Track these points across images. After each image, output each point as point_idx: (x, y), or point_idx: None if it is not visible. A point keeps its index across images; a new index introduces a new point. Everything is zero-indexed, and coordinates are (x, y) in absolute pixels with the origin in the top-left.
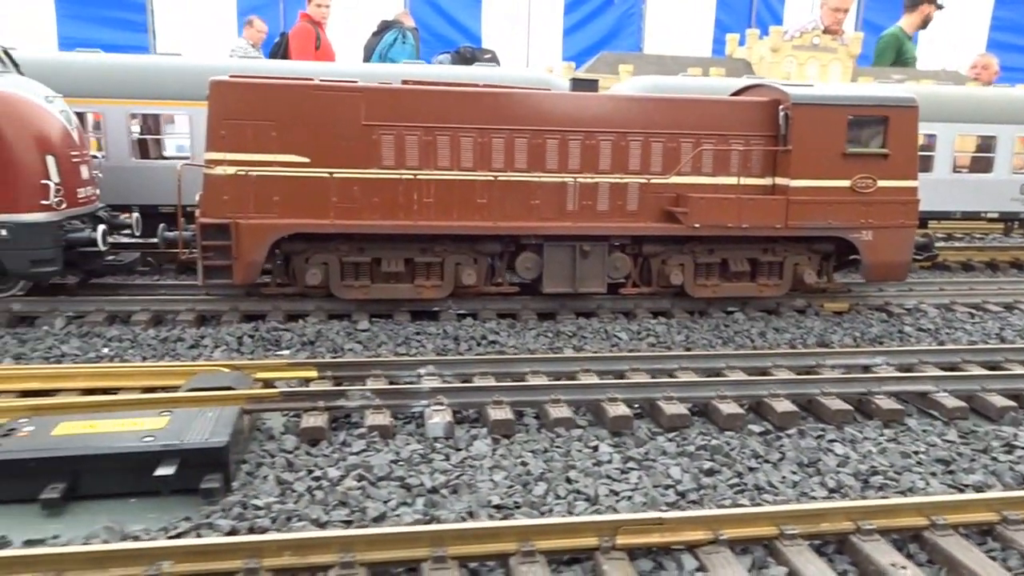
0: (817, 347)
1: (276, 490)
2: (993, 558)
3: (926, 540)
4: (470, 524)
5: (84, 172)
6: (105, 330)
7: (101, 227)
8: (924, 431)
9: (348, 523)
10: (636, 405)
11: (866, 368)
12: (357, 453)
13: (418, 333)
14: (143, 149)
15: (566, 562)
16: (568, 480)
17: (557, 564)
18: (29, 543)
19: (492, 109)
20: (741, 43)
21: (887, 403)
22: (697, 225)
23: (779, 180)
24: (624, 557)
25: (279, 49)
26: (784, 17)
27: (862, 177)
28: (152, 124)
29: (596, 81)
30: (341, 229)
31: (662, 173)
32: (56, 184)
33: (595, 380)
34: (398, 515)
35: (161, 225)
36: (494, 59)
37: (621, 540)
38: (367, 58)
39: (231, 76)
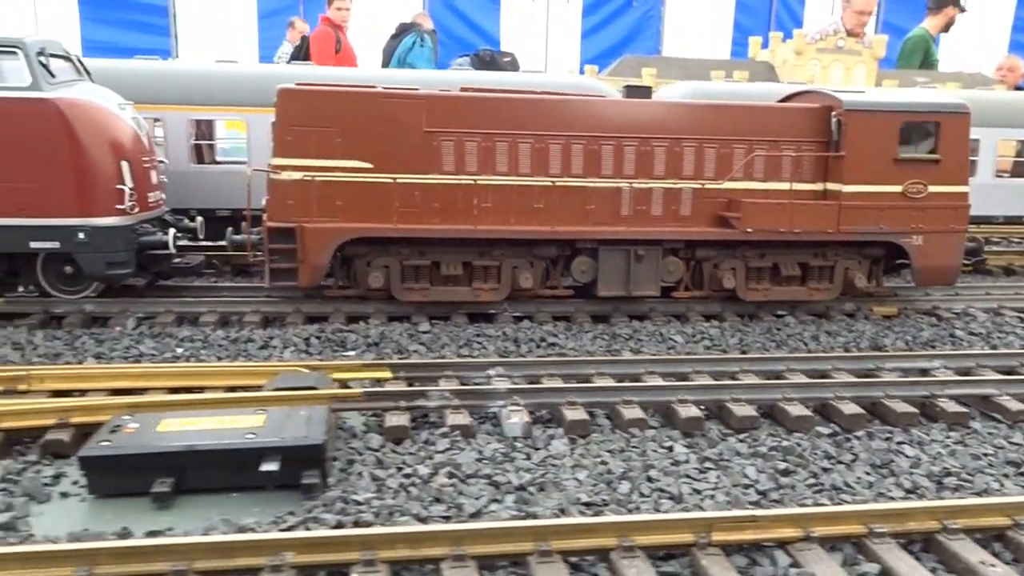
0: (871, 351)
1: (372, 486)
2: None
3: (1010, 540)
4: (568, 520)
5: (153, 177)
6: (176, 330)
7: (172, 231)
8: (990, 434)
9: (447, 518)
10: (703, 407)
11: (924, 371)
12: (442, 451)
13: (478, 335)
14: (199, 154)
15: (662, 557)
16: (649, 479)
17: (654, 559)
18: (151, 534)
19: (550, 116)
20: (764, 46)
21: (951, 406)
22: (750, 230)
23: (831, 185)
24: (720, 553)
25: (300, 52)
26: (804, 19)
27: (913, 182)
28: (206, 130)
29: (650, 88)
30: (404, 233)
31: (715, 178)
32: (130, 189)
33: (661, 382)
34: (493, 511)
35: (229, 229)
36: (513, 62)
37: (716, 537)
38: (386, 62)
39: (298, 84)
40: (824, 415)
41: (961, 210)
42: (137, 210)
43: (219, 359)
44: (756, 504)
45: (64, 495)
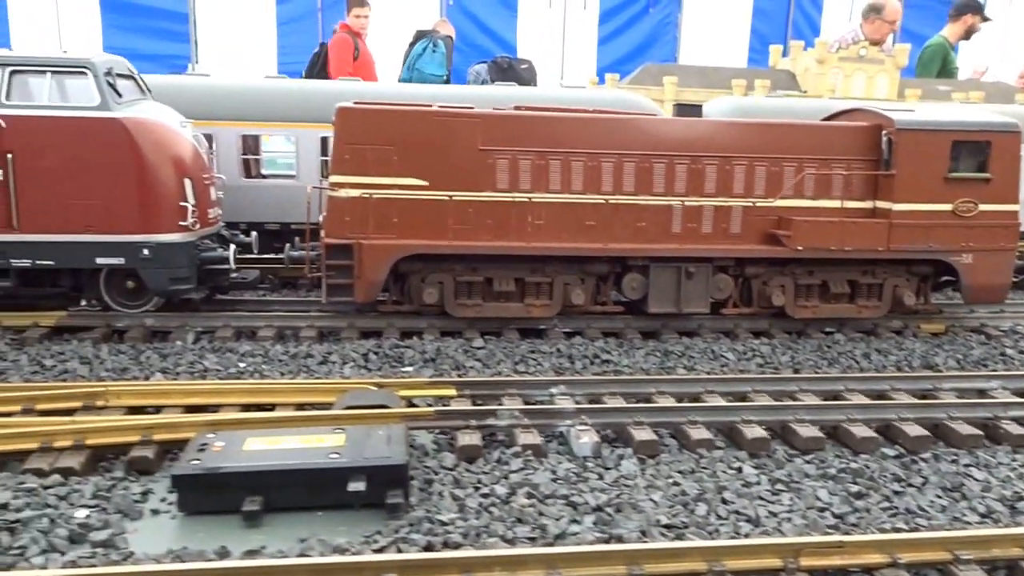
0: (923, 369)
1: (453, 506)
2: None
3: None
4: (659, 544)
5: (212, 193)
6: (236, 345)
7: (232, 246)
8: None
9: (532, 539)
10: (766, 427)
11: (981, 392)
12: (517, 471)
13: (532, 351)
14: (247, 169)
15: None
16: (724, 501)
17: None
18: (248, 554)
19: (602, 134)
20: (784, 54)
21: (1016, 428)
22: (800, 248)
23: (880, 203)
24: None
25: (318, 60)
26: (822, 27)
27: (964, 201)
28: (252, 144)
29: (700, 106)
30: (458, 250)
31: (765, 196)
32: (192, 206)
33: (722, 402)
34: (576, 533)
35: (287, 245)
36: (530, 69)
37: (804, 562)
38: (402, 69)
39: (355, 103)
40: (887, 436)
41: (1011, 228)
42: (198, 226)
43: (282, 374)
44: (834, 528)
45: (155, 512)
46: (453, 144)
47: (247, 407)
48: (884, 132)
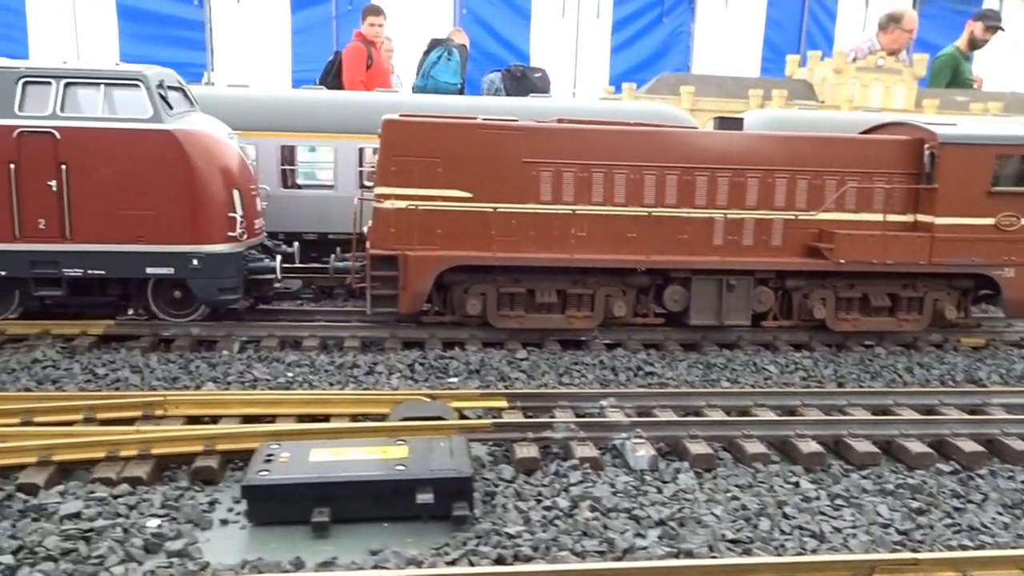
0: (967, 384)
1: (519, 519)
2: None
3: None
4: (732, 560)
5: (258, 204)
6: (282, 355)
7: (279, 257)
8: None
9: (601, 553)
10: (820, 441)
11: None
12: (576, 484)
13: (576, 363)
14: (284, 179)
15: None
16: (785, 516)
17: None
18: (323, 566)
19: (645, 147)
20: (802, 64)
21: None
22: (843, 261)
23: (921, 217)
24: None
25: (332, 68)
26: (835, 36)
27: (1007, 215)
28: (289, 155)
29: (741, 120)
30: (503, 261)
31: (806, 209)
32: (240, 216)
33: (773, 416)
34: (644, 548)
35: (332, 256)
36: (544, 78)
37: None
38: (417, 76)
39: (402, 115)
40: (941, 451)
41: None
42: (246, 237)
43: (330, 384)
44: (900, 545)
45: (224, 522)
46: (497, 156)
47: (302, 417)
48: (927, 146)
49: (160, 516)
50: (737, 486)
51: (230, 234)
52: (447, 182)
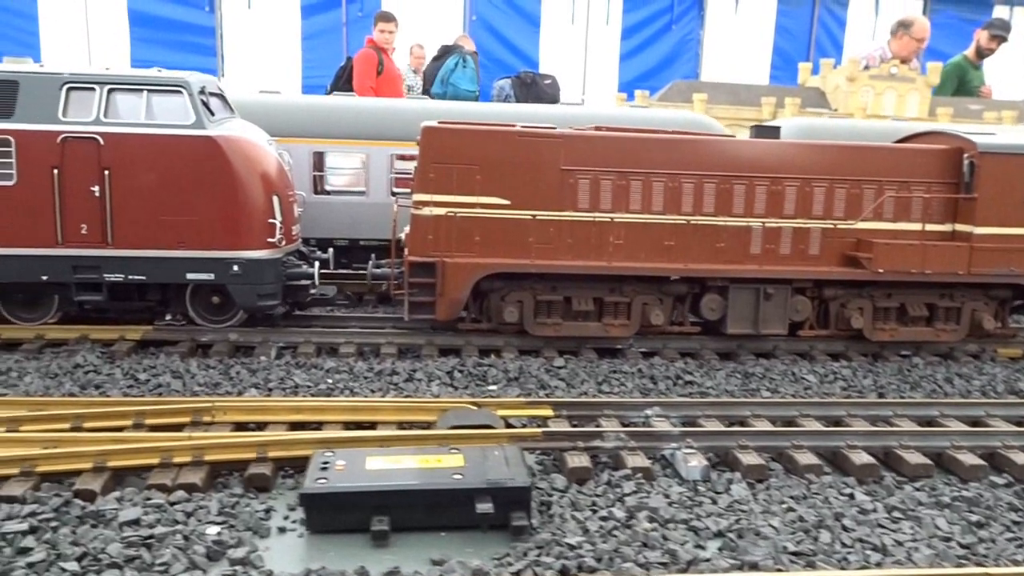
0: (1008, 395)
1: (577, 529)
2: None
3: None
4: (793, 574)
5: (295, 210)
6: (320, 361)
7: (317, 263)
8: None
9: (663, 565)
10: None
11: None
12: (630, 494)
13: (614, 371)
14: (316, 185)
15: None
16: (844, 528)
17: None
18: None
19: (683, 155)
20: (814, 72)
21: None
22: (882, 270)
23: (959, 226)
24: None
25: (344, 74)
26: (844, 44)
27: None
28: (319, 161)
29: (778, 128)
30: (541, 269)
31: (844, 218)
32: (280, 223)
33: (820, 427)
34: (707, 559)
35: (370, 263)
36: (554, 84)
37: None
38: (429, 83)
39: (440, 123)
40: (992, 463)
41: None
42: (284, 243)
43: (372, 391)
44: (964, 559)
45: (281, 530)
46: (536, 164)
47: (348, 424)
48: (966, 155)
49: (218, 524)
50: (792, 497)
51: (270, 240)
52: (485, 189)
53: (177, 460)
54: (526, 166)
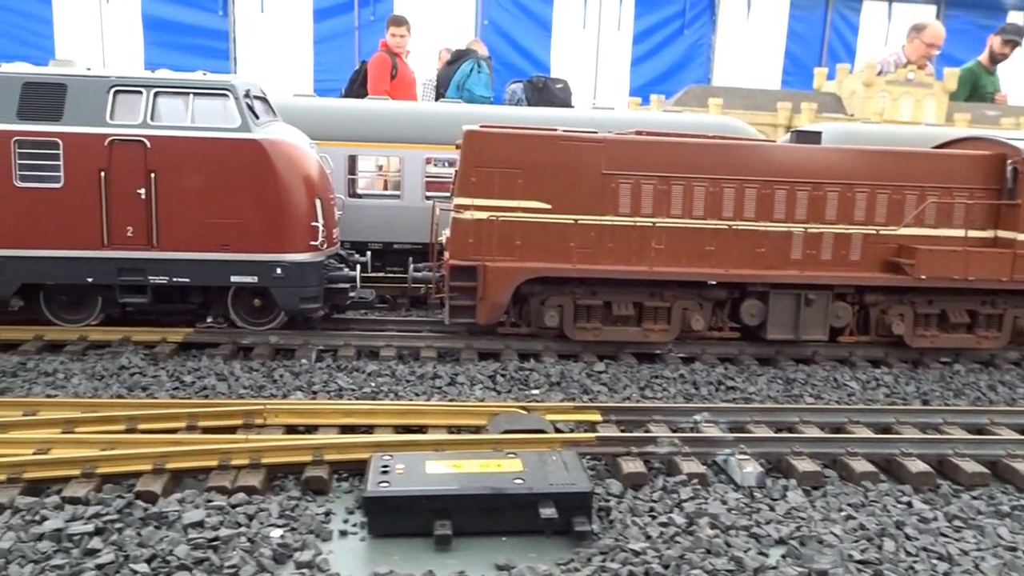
0: None
1: (639, 534)
2: None
3: None
4: None
5: (336, 213)
6: (361, 364)
7: (358, 267)
8: None
9: (731, 572)
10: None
11: None
12: (687, 500)
13: (655, 376)
14: (349, 188)
15: None
16: (907, 537)
17: None
18: None
19: (724, 160)
20: (830, 76)
21: None
22: (924, 276)
23: (1002, 233)
24: None
25: (358, 78)
26: (857, 49)
27: None
28: (351, 164)
29: (820, 133)
30: (583, 273)
31: (885, 224)
32: (322, 226)
33: (868, 433)
34: (774, 567)
35: (410, 266)
36: (565, 89)
37: None
38: (443, 88)
39: (482, 126)
40: None
41: None
42: (326, 246)
43: (416, 395)
44: None
45: (343, 534)
46: (577, 168)
47: (398, 428)
48: (1009, 162)
49: (280, 526)
50: (850, 505)
51: (312, 243)
52: (527, 193)
53: (235, 462)
54: (568, 170)
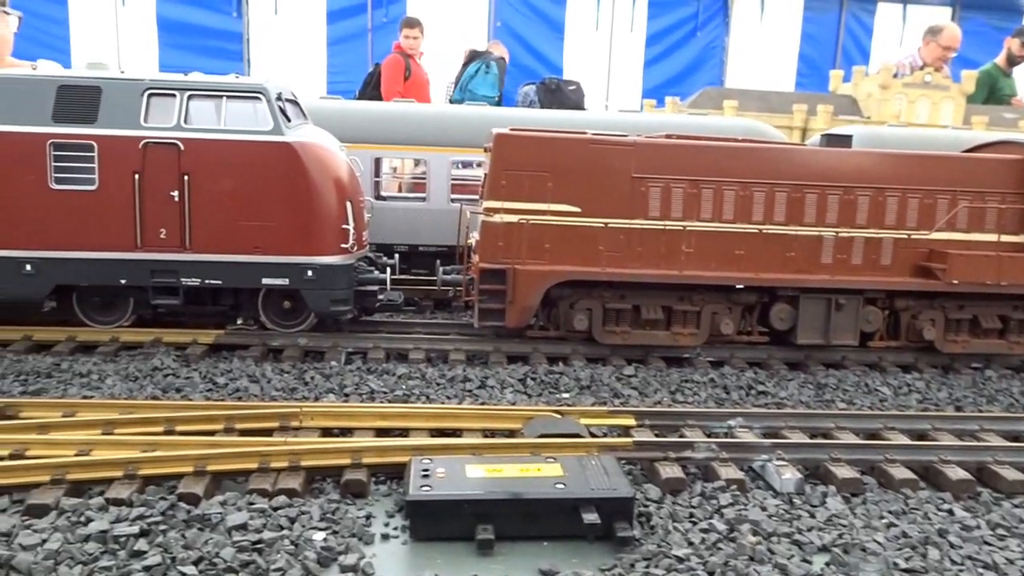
0: None
1: (682, 540)
2: None
3: None
4: None
5: (365, 216)
6: (391, 367)
7: (388, 269)
8: None
9: None
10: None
11: None
12: (727, 506)
13: (685, 380)
14: (375, 190)
15: None
16: (951, 545)
17: None
18: None
19: (754, 163)
20: (846, 79)
21: None
22: (956, 281)
23: None
24: None
25: (372, 80)
26: (871, 51)
27: None
28: (377, 166)
29: (851, 137)
30: (612, 277)
31: (917, 228)
32: (352, 228)
33: (905, 440)
34: (820, 575)
35: (439, 269)
36: (579, 91)
37: None
38: (455, 89)
39: (512, 129)
40: None
41: None
42: (356, 248)
43: (448, 398)
44: None
45: (384, 537)
46: (607, 171)
47: (433, 431)
48: None
49: (322, 529)
50: (891, 512)
51: (343, 246)
52: (557, 197)
53: (274, 465)
54: (598, 174)
